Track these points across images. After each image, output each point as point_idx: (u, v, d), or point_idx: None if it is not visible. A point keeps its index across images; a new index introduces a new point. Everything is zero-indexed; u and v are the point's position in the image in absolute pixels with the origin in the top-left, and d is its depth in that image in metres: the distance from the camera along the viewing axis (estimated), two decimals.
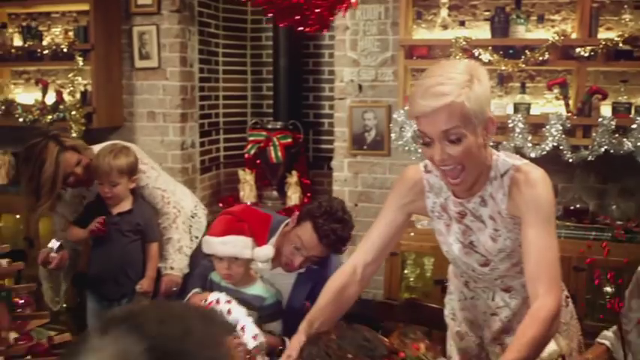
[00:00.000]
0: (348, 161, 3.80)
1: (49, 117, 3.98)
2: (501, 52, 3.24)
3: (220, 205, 4.26)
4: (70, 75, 3.92)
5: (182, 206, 2.82)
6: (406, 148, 3.38)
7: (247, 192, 4.22)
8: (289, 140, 4.11)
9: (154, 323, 0.71)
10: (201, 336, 0.73)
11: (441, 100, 1.49)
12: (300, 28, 2.33)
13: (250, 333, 1.96)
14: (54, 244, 2.47)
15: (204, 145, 4.40)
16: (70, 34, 4.06)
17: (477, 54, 3.24)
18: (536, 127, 3.27)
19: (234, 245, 2.17)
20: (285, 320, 2.23)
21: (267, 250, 2.26)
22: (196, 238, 2.98)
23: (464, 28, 3.38)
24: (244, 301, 2.20)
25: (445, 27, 3.48)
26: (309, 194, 4.16)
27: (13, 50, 4.04)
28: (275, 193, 4.27)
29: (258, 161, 4.24)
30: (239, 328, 1.96)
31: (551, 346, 1.66)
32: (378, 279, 3.72)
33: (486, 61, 3.23)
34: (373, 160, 3.77)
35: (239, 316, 2.01)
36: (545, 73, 3.46)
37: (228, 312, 2.03)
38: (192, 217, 2.98)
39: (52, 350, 1.80)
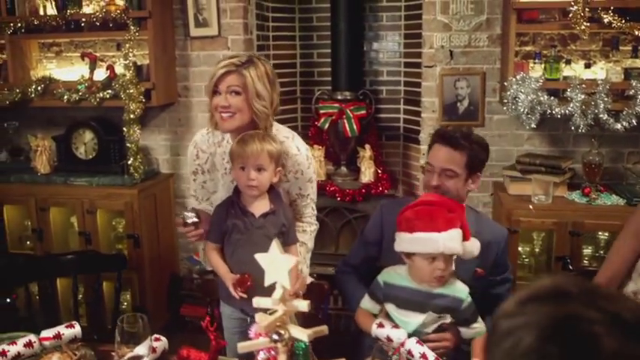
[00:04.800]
0: None
1: (99, 95, 3.53)
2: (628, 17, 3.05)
3: None
4: (127, 46, 3.44)
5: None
6: (520, 120, 3.18)
7: (316, 168, 3.92)
8: (363, 112, 3.82)
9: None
10: None
11: None
12: None
13: None
14: (189, 215, 2.10)
15: None
16: (119, 1, 3.57)
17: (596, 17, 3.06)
18: None
19: (459, 240, 1.92)
20: None
21: (477, 244, 2.03)
22: None
23: None
24: (440, 307, 1.97)
25: None
26: (382, 168, 3.91)
27: (53, 21, 3.52)
28: (344, 169, 4.00)
29: (324, 135, 3.95)
30: None
31: None
32: None
33: (607, 23, 3.05)
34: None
35: None
36: None
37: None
38: None
39: None
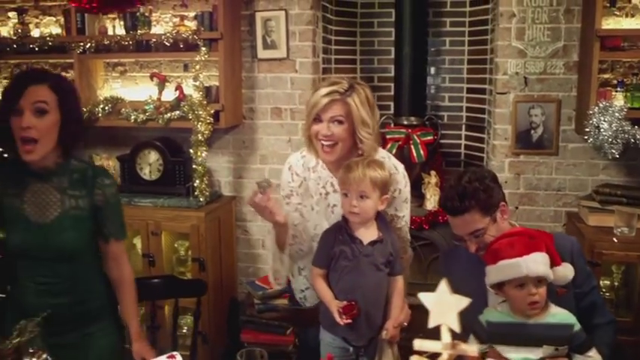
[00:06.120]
0: (509, 161, 3.50)
1: (167, 115, 3.50)
2: None
3: None
4: (197, 67, 3.42)
5: None
6: (602, 149, 3.09)
7: None
8: (430, 137, 3.75)
9: None
10: None
11: None
12: None
13: None
14: (264, 182, 2.01)
15: None
16: (188, 22, 3.55)
17: None
18: None
19: (544, 263, 1.87)
20: None
21: (569, 267, 1.96)
22: None
23: None
24: (553, 338, 1.89)
25: (633, 15, 3.20)
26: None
27: (123, 41, 3.51)
28: None
29: None
30: None
31: None
32: None
33: None
34: (538, 159, 3.48)
35: None
36: None
37: None
38: None
39: None
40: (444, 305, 1.20)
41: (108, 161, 3.65)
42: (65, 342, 2.01)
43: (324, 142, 2.10)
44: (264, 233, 3.83)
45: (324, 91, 2.08)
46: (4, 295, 3.00)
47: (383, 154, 2.24)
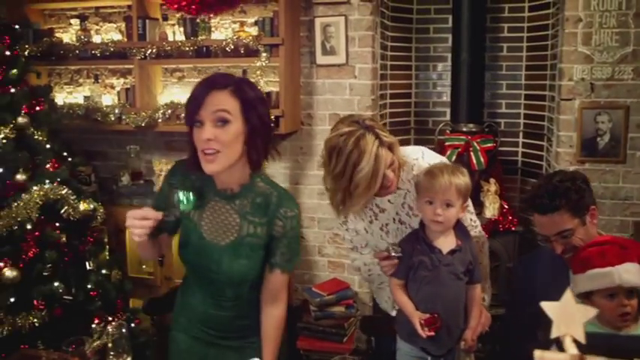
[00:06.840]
0: (574, 169, 3.41)
1: None
2: None
3: None
4: (257, 72, 3.42)
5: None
6: None
7: None
8: (490, 145, 3.69)
9: None
10: None
11: None
12: None
13: None
14: (397, 249, 2.02)
15: None
16: (247, 28, 3.56)
17: None
18: None
19: (637, 273, 1.81)
20: None
21: None
22: None
23: None
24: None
25: None
26: (508, 204, 3.76)
27: (184, 47, 3.53)
28: None
29: None
30: None
31: None
32: None
33: None
34: (605, 167, 3.39)
35: None
36: None
37: None
38: None
39: None
40: (568, 315, 1.15)
41: (167, 166, 3.66)
42: (228, 344, 1.98)
43: (387, 184, 2.00)
44: (321, 240, 3.81)
45: (368, 161, 1.87)
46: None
47: (415, 155, 2.12)
